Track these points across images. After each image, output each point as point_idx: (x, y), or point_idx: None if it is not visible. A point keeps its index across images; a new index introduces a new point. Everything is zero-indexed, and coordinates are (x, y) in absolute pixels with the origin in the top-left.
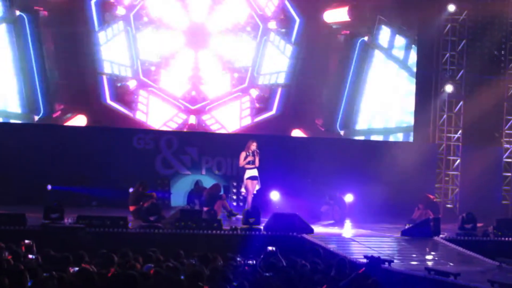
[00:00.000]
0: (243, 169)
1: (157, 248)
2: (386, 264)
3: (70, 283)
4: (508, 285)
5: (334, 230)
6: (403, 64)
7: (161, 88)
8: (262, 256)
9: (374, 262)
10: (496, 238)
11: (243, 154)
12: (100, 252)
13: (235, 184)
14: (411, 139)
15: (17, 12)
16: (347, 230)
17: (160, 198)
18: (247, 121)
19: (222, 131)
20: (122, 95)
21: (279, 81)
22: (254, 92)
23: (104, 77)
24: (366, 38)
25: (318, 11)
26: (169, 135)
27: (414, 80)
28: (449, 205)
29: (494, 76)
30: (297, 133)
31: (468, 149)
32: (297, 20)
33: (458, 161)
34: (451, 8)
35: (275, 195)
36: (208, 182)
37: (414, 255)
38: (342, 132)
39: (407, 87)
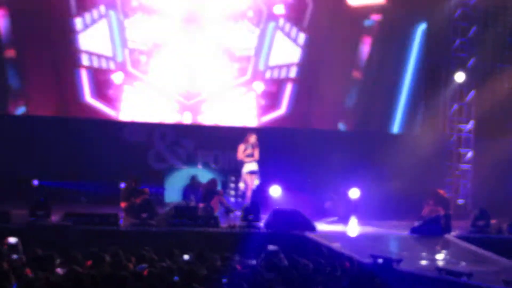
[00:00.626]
0: (242, 163)
1: (151, 247)
2: (395, 264)
3: (58, 285)
4: None
5: (339, 227)
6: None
7: (152, 82)
8: (263, 256)
9: (385, 262)
10: (511, 236)
11: (241, 147)
12: (90, 251)
13: (233, 178)
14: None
15: None
16: (353, 227)
17: (153, 193)
18: (253, 123)
19: None
20: (105, 91)
21: (290, 74)
22: (259, 87)
23: (83, 71)
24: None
25: None
26: (163, 128)
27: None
28: (460, 201)
29: (507, 64)
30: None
31: (481, 141)
32: (310, 3)
33: (470, 153)
34: None
35: (275, 190)
36: (204, 176)
37: (424, 254)
38: None
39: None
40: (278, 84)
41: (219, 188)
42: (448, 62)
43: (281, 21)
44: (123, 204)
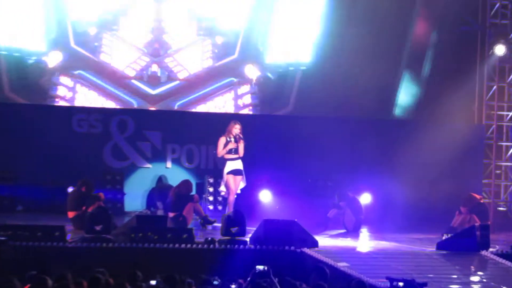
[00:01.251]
0: (223, 161)
1: (106, 269)
2: None
3: None
4: None
5: (346, 242)
6: None
7: (121, 36)
8: (249, 278)
9: (406, 286)
10: None
11: (222, 140)
12: (28, 274)
13: (211, 180)
14: None
15: None
16: (364, 242)
17: (110, 200)
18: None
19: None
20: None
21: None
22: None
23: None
24: None
25: None
26: (122, 115)
27: None
28: (501, 208)
29: None
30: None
31: None
32: None
33: None
34: None
35: (266, 196)
36: (175, 178)
37: (455, 276)
38: None
39: None
40: (281, 74)
41: (193, 192)
42: (485, 32)
43: None
44: (71, 214)
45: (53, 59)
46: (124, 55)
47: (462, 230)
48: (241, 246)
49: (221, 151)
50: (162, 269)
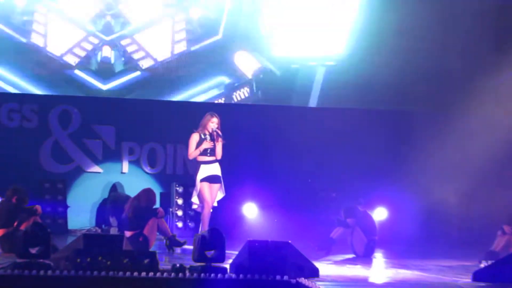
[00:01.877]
0: (196, 164)
1: None
2: None
3: None
4: None
5: (356, 271)
6: None
7: (61, 9)
8: None
9: None
10: None
11: (195, 137)
12: None
13: (180, 190)
14: None
15: None
16: (378, 271)
17: (49, 214)
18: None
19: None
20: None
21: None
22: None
23: None
24: None
25: None
26: (65, 105)
27: None
28: None
29: None
30: None
31: None
32: None
33: None
34: None
35: (251, 209)
36: (133, 186)
37: None
38: None
39: None
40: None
41: (157, 205)
42: None
43: None
44: None
45: None
46: (64, 35)
47: (506, 255)
48: (219, 275)
49: (193, 151)
50: None
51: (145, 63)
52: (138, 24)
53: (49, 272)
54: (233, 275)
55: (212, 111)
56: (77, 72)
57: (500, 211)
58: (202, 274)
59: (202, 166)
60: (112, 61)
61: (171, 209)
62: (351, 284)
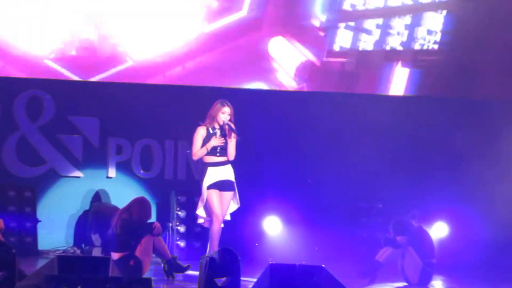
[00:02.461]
0: (201, 166)
1: None
2: None
3: None
4: None
5: None
6: None
7: None
8: None
9: None
10: None
11: (201, 132)
12: None
13: (182, 199)
14: None
15: None
16: None
17: (14, 231)
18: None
19: None
20: None
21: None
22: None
23: None
24: None
25: None
26: (35, 89)
27: None
28: None
29: None
30: None
31: None
32: None
33: None
34: None
35: (273, 225)
36: (121, 195)
37: None
38: None
39: None
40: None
41: (152, 219)
42: None
43: None
44: None
45: None
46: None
47: None
48: None
49: (199, 150)
50: None
51: None
52: None
53: None
54: None
55: (223, 98)
56: (47, 61)
57: None
58: None
59: (210, 169)
60: (95, 43)
61: (170, 224)
62: None
